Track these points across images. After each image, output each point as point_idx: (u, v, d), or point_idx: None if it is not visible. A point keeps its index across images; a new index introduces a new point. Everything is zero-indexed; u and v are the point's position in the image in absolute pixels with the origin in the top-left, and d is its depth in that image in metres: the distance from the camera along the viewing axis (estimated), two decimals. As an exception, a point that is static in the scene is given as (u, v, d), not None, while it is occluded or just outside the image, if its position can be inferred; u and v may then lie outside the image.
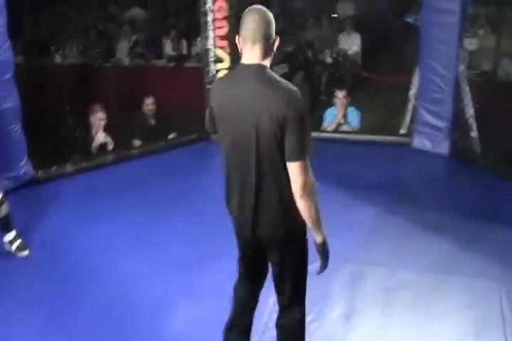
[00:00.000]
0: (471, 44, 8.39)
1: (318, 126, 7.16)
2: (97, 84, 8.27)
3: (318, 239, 2.70)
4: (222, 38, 6.99)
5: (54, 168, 6.06)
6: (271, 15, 2.59)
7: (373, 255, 4.40)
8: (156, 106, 7.11)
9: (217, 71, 7.07)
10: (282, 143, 2.53)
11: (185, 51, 9.90)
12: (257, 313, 3.18)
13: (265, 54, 2.59)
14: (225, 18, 6.91)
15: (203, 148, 7.01)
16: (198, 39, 8.47)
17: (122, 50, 10.06)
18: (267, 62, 2.62)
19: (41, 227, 4.97)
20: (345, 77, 9.12)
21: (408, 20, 7.99)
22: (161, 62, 9.86)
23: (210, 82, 7.09)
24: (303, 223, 2.70)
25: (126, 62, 9.88)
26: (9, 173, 5.47)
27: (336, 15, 10.56)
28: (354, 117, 7.14)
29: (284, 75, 6.69)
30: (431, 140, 6.61)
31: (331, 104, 7.16)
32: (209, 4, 6.83)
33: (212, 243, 4.61)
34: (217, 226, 4.86)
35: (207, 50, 7.07)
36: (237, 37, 2.62)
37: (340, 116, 7.02)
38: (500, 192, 5.55)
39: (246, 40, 2.57)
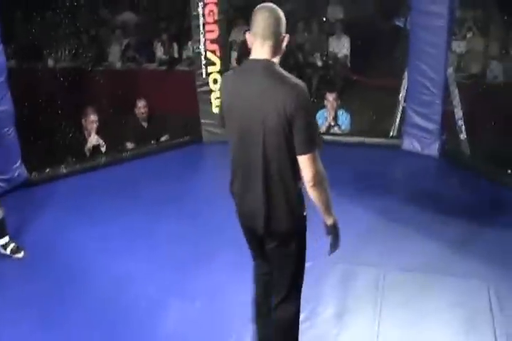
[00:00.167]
0: (459, 47, 8.47)
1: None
2: (89, 88, 8.30)
3: (329, 222, 2.82)
4: (212, 41, 7.00)
5: (48, 170, 6.08)
6: (281, 13, 2.66)
7: (365, 255, 4.42)
8: (148, 109, 7.13)
9: (208, 74, 7.09)
10: (290, 138, 2.60)
11: (176, 55, 9.95)
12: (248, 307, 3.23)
13: (274, 51, 2.66)
14: (215, 22, 6.92)
15: (195, 150, 7.04)
16: (189, 43, 8.52)
17: (114, 54, 10.10)
18: (276, 59, 2.68)
19: (35, 229, 4.98)
20: (335, 79, 9.17)
21: (397, 23, 8.09)
22: (153, 66, 9.92)
23: (201, 85, 7.13)
24: (304, 218, 2.84)
25: (118, 65, 9.93)
26: (3, 175, 5.51)
27: (325, 19, 10.63)
28: (344, 119, 7.15)
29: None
30: (420, 142, 6.65)
31: (321, 107, 7.20)
32: (200, 8, 6.85)
33: (205, 244, 4.65)
34: (210, 227, 4.93)
35: (198, 54, 7.10)
36: (247, 33, 2.69)
37: (330, 118, 7.04)
38: (489, 194, 5.58)
39: (256, 37, 2.65)
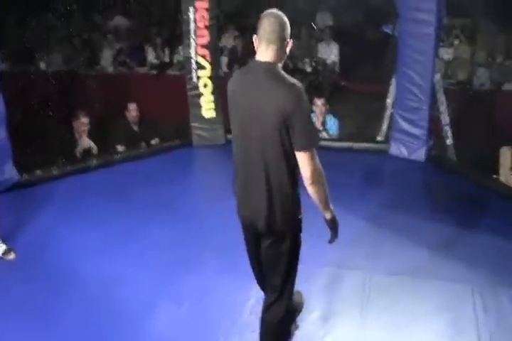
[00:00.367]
0: (446, 54, 8.54)
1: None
2: (81, 91, 8.32)
3: (328, 216, 2.94)
4: (203, 46, 7.04)
5: (39, 172, 6.10)
6: (286, 19, 2.80)
7: (352, 259, 4.45)
8: (139, 113, 7.17)
9: (199, 78, 7.14)
10: (287, 137, 2.72)
11: (167, 59, 9.98)
12: (239, 306, 3.24)
13: (278, 54, 2.80)
14: (206, 27, 6.97)
15: (185, 154, 7.06)
16: (180, 47, 8.56)
17: (106, 58, 10.14)
18: (280, 64, 2.83)
19: (25, 230, 4.98)
20: (323, 85, 9.21)
21: (385, 30, 8.15)
22: (144, 70, 9.95)
23: (192, 89, 7.17)
24: (299, 220, 2.94)
25: (110, 69, 9.96)
26: (-6, 177, 5.52)
27: (315, 25, 10.68)
28: (332, 124, 7.20)
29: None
30: (407, 147, 6.71)
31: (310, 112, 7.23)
32: (191, 14, 6.90)
33: (195, 248, 4.68)
34: (200, 231, 4.97)
35: (189, 58, 7.14)
36: (254, 37, 2.82)
37: (318, 123, 7.09)
38: (475, 199, 5.63)
39: (261, 41, 2.79)
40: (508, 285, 4.08)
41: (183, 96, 7.21)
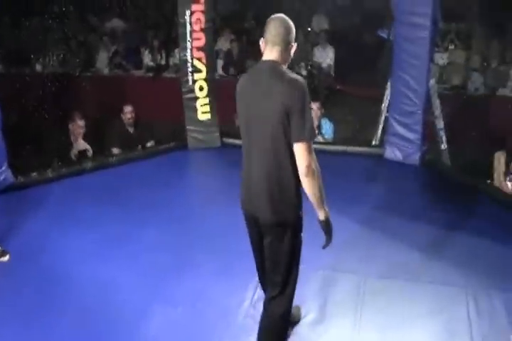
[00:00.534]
0: (441, 58, 8.58)
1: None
2: (76, 93, 8.32)
3: (322, 217, 2.98)
4: (199, 49, 7.05)
5: (34, 174, 6.10)
6: (291, 23, 2.97)
7: (346, 262, 4.46)
8: (135, 115, 7.17)
9: (195, 81, 7.15)
10: (288, 129, 2.82)
11: (163, 62, 9.99)
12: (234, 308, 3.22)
13: (281, 55, 2.96)
14: (202, 30, 6.99)
15: (180, 156, 7.08)
16: (176, 50, 8.57)
17: (102, 60, 10.15)
18: (283, 65, 2.96)
19: (20, 233, 4.97)
20: (319, 89, 9.23)
21: (381, 34, 8.18)
22: (140, 72, 9.96)
23: (187, 92, 7.18)
24: (299, 212, 3.00)
25: (106, 71, 9.97)
26: (-11, 179, 5.51)
27: (310, 29, 10.71)
28: (328, 128, 7.23)
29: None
30: (402, 151, 6.73)
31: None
32: (187, 16, 6.91)
33: (190, 250, 4.68)
34: (195, 233, 4.98)
35: (184, 61, 7.15)
36: (261, 40, 2.98)
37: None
38: (468, 203, 5.65)
39: (267, 43, 2.96)
40: (500, 288, 4.09)
41: (179, 98, 7.22)
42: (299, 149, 2.82)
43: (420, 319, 3.79)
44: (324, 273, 4.29)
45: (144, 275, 4.32)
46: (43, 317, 3.82)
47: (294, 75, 2.89)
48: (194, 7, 6.86)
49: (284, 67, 2.95)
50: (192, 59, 7.06)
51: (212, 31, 7.28)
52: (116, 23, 10.92)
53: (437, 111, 6.66)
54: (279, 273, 3.09)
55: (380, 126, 7.14)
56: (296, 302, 3.33)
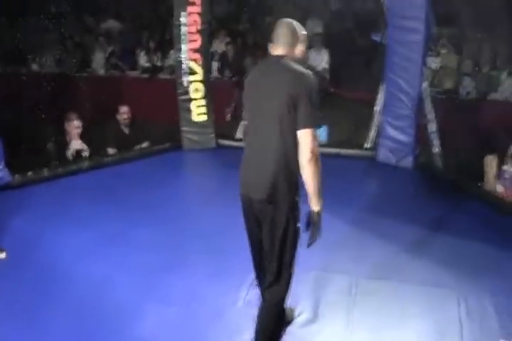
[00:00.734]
0: (434, 62, 8.62)
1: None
2: (72, 93, 8.32)
3: (315, 208, 3.04)
4: (195, 50, 7.09)
5: (30, 173, 6.13)
6: (296, 26, 3.16)
7: (338, 263, 4.50)
8: (131, 116, 7.18)
9: (190, 83, 7.18)
10: (293, 116, 2.94)
11: (159, 63, 10.01)
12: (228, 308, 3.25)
13: (287, 53, 3.12)
14: (198, 31, 7.02)
15: (175, 157, 7.13)
16: (172, 51, 8.59)
17: (98, 61, 10.14)
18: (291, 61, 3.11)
19: (16, 231, 4.99)
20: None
21: (375, 38, 8.21)
22: (135, 73, 9.96)
23: (182, 94, 7.21)
24: (295, 197, 3.08)
25: (102, 72, 9.97)
26: (-14, 178, 5.52)
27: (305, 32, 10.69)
28: (321, 131, 7.27)
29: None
30: (395, 154, 6.79)
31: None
32: (183, 18, 6.95)
33: (184, 250, 4.71)
34: (190, 233, 5.01)
35: (180, 63, 7.18)
36: (269, 45, 3.20)
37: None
38: (459, 206, 5.70)
39: (273, 42, 3.15)
40: (491, 290, 4.13)
41: (174, 100, 7.26)
42: (304, 135, 2.92)
43: (411, 320, 3.82)
44: (316, 274, 4.32)
45: (138, 275, 4.34)
46: (37, 315, 3.84)
47: (303, 69, 3.03)
48: (190, 9, 6.90)
49: (292, 62, 3.08)
50: (187, 60, 7.09)
51: (208, 33, 7.31)
52: (112, 24, 10.92)
53: (430, 114, 6.71)
54: (274, 260, 3.14)
55: (373, 129, 7.20)
56: (289, 303, 3.37)
